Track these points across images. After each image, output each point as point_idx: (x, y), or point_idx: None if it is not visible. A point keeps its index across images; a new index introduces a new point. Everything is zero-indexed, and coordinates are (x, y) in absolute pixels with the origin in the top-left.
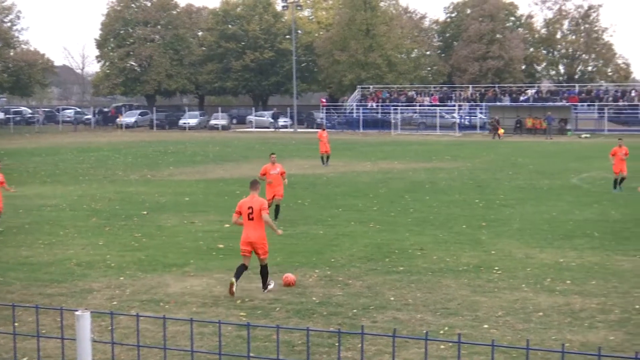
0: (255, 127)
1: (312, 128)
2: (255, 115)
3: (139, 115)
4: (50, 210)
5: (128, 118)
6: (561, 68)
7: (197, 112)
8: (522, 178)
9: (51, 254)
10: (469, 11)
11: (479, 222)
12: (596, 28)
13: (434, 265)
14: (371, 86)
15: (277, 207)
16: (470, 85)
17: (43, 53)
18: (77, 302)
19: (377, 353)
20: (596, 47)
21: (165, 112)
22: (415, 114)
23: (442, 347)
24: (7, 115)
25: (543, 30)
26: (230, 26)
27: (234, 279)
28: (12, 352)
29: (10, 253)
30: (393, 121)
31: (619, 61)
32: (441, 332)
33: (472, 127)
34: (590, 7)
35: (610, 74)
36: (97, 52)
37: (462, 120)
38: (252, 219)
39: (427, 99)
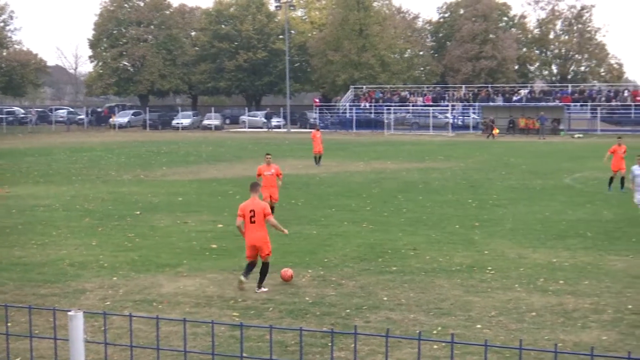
0: (248, 127)
1: (305, 128)
2: (248, 115)
3: (132, 115)
4: (43, 211)
5: (121, 118)
6: (554, 68)
7: (190, 112)
8: (515, 178)
9: (44, 255)
10: (462, 11)
11: (471, 222)
12: (589, 28)
13: (427, 265)
14: (364, 86)
15: (272, 209)
16: (463, 85)
17: (36, 53)
18: (70, 302)
19: (370, 353)
20: (589, 47)
21: (158, 112)
22: (408, 114)
23: (435, 347)
24: (0, 116)
25: (536, 31)
26: (223, 26)
27: (242, 277)
28: (5, 353)
29: (3, 253)
30: (386, 121)
31: (612, 61)
32: (434, 332)
33: (465, 127)
34: (583, 7)
35: (603, 74)
36: (90, 52)
37: (455, 120)
38: (254, 222)
39: (420, 99)
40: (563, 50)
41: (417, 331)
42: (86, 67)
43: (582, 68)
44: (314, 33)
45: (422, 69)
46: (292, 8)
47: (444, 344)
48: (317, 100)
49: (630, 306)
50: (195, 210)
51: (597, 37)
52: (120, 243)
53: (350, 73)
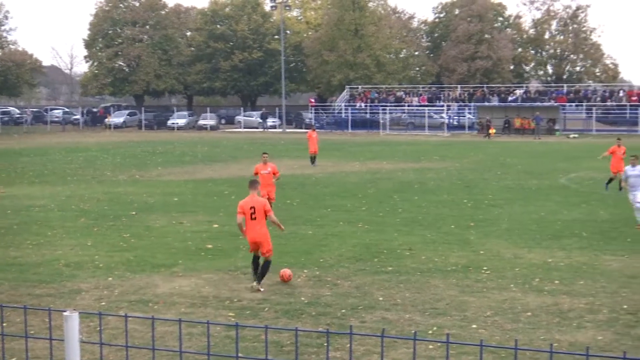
0: (244, 128)
1: (301, 128)
2: (244, 116)
3: (128, 115)
4: (38, 211)
5: (116, 118)
6: (549, 68)
7: (185, 113)
8: (511, 178)
9: (39, 255)
10: (457, 11)
11: (467, 222)
12: (584, 28)
13: (423, 266)
14: (360, 86)
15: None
16: (459, 86)
17: (31, 53)
18: (65, 302)
19: (366, 353)
20: (584, 47)
21: (153, 113)
22: (403, 114)
23: (430, 347)
24: None
25: (531, 31)
26: (218, 26)
27: (253, 278)
28: (0, 353)
29: None
30: (382, 121)
31: (607, 61)
32: (430, 332)
33: (461, 127)
34: (578, 8)
35: (598, 74)
36: (85, 52)
37: (451, 121)
38: (255, 218)
39: (416, 99)
40: (558, 51)
41: (413, 331)
42: (81, 67)
43: (578, 68)
44: (310, 33)
45: (417, 69)
46: (287, 8)
47: (439, 344)
48: (313, 101)
49: (625, 306)
50: (191, 211)
51: (593, 37)
52: (115, 243)
53: (346, 73)
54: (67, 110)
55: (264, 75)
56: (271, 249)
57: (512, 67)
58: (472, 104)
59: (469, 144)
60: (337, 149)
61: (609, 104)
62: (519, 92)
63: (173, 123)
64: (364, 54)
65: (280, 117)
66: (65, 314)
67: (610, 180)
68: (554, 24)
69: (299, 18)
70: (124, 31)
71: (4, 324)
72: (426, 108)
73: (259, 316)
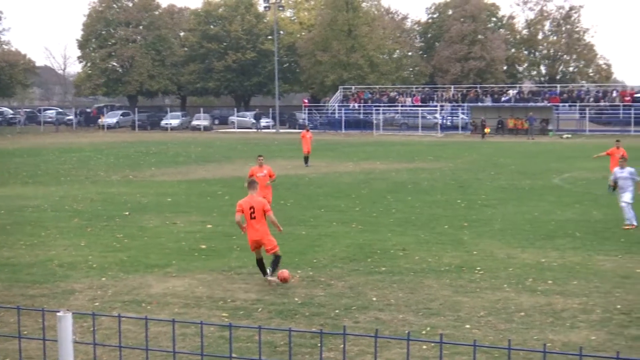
0: (238, 128)
1: (295, 129)
2: (238, 116)
3: (121, 115)
4: (32, 211)
5: (110, 119)
6: (542, 69)
7: (179, 113)
8: (504, 178)
9: (33, 255)
10: (450, 12)
11: (460, 223)
12: (577, 29)
13: (416, 266)
14: (353, 87)
15: None
16: (452, 86)
17: (24, 53)
18: (58, 303)
19: (360, 353)
20: (577, 48)
21: (147, 113)
22: (397, 115)
23: (424, 347)
24: None
25: (524, 31)
26: (212, 27)
27: (264, 278)
28: None
29: None
30: (375, 122)
31: (600, 62)
32: (423, 332)
33: (454, 127)
34: (571, 8)
35: (591, 74)
36: (78, 53)
37: (444, 121)
38: (255, 217)
39: (409, 99)
40: (551, 51)
41: (406, 331)
42: (75, 68)
43: (571, 68)
44: (303, 34)
45: (411, 69)
46: (281, 9)
47: (432, 344)
48: (306, 101)
49: (618, 306)
50: (184, 211)
51: (586, 37)
52: (109, 244)
53: (339, 73)
54: (60, 110)
55: (258, 76)
56: (275, 244)
57: (505, 68)
58: (466, 104)
59: (463, 144)
60: (331, 149)
61: (602, 104)
62: (512, 92)
63: (166, 123)
64: (358, 54)
65: (273, 118)
66: (58, 314)
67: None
68: (547, 25)
69: (293, 18)
70: (118, 32)
71: None
72: (419, 108)
73: (253, 316)
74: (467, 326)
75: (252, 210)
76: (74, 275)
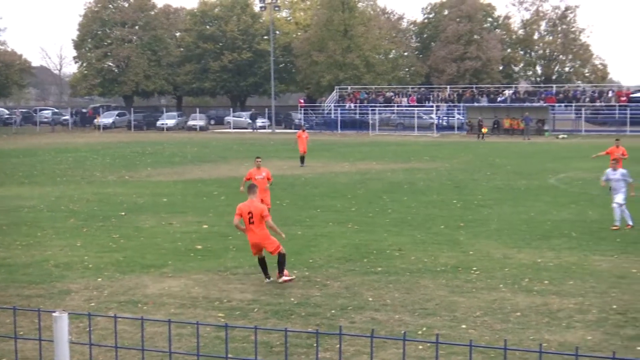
0: (233, 128)
1: (290, 129)
2: (233, 116)
3: (117, 116)
4: (28, 212)
5: (106, 119)
6: (538, 69)
7: (175, 113)
8: (500, 178)
9: (29, 255)
10: (446, 12)
11: (457, 223)
12: (573, 29)
13: (412, 266)
14: (349, 87)
15: None
16: (448, 86)
17: (20, 54)
18: (55, 303)
19: (355, 353)
20: (573, 48)
21: (143, 113)
22: (393, 115)
23: (420, 347)
24: None
25: (520, 31)
26: (208, 27)
27: (266, 280)
28: None
29: None
30: (371, 122)
31: (596, 62)
32: (419, 332)
33: (450, 127)
34: (567, 8)
35: (587, 74)
36: (74, 53)
37: (440, 121)
38: (253, 222)
39: (405, 99)
40: (547, 51)
41: (402, 332)
42: (71, 68)
43: (567, 69)
44: (299, 34)
45: (406, 69)
46: (276, 9)
47: (429, 344)
48: (302, 101)
49: (614, 306)
50: (180, 211)
51: (582, 37)
52: (105, 244)
53: (335, 74)
54: (56, 110)
55: (253, 76)
56: (278, 245)
57: (501, 68)
58: (462, 104)
59: (459, 144)
60: (327, 149)
61: (598, 104)
62: (508, 92)
63: (162, 124)
64: (353, 54)
65: (269, 118)
66: (54, 314)
67: None
68: (543, 25)
69: (288, 19)
70: (113, 32)
71: None
72: (415, 109)
73: (249, 317)
74: (463, 326)
75: (250, 215)
76: (70, 275)
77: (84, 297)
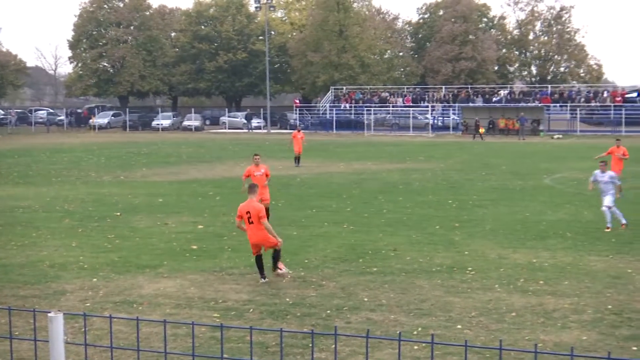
0: (229, 128)
1: (286, 129)
2: (229, 116)
3: (112, 116)
4: (23, 212)
5: (101, 119)
6: (533, 69)
7: (170, 113)
8: (495, 179)
9: (24, 256)
10: (441, 12)
11: (452, 223)
12: (568, 29)
13: (408, 266)
14: (344, 87)
15: (267, 211)
16: (443, 86)
17: (15, 54)
18: (50, 303)
19: (351, 354)
20: (568, 48)
21: (138, 113)
22: (388, 115)
23: (415, 347)
24: None
25: (515, 32)
26: (203, 27)
27: (261, 280)
28: None
29: None
30: (366, 122)
31: (591, 62)
32: (415, 332)
33: (445, 127)
34: (562, 9)
35: (582, 74)
36: (69, 53)
37: (435, 121)
38: (252, 222)
39: (400, 100)
40: (542, 51)
41: (398, 332)
42: (66, 68)
43: (562, 69)
44: (294, 34)
45: (402, 70)
46: (272, 9)
47: (424, 344)
48: (297, 101)
49: (610, 306)
50: (176, 212)
51: (577, 38)
52: (100, 244)
53: (330, 74)
54: (51, 111)
55: (249, 76)
56: (275, 241)
57: (496, 68)
58: (457, 104)
59: (454, 144)
60: (322, 149)
61: (593, 104)
62: (503, 92)
63: (157, 124)
64: (349, 54)
65: (264, 118)
66: (49, 315)
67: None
68: (538, 25)
69: (284, 19)
70: (109, 32)
71: None
72: (411, 109)
73: (244, 317)
74: (459, 326)
75: (248, 215)
76: (65, 275)
77: (79, 297)
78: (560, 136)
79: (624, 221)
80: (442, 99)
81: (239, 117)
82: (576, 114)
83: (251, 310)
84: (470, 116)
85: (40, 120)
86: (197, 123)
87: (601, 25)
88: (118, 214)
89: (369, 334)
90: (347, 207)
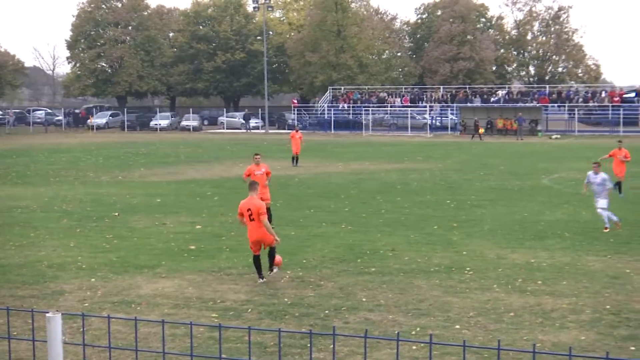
0: (227, 129)
1: (284, 129)
2: (227, 117)
3: (110, 116)
4: (21, 212)
5: (99, 119)
6: (531, 69)
7: (168, 114)
8: (493, 179)
9: (22, 256)
10: (439, 12)
11: (450, 223)
12: (566, 29)
13: (406, 266)
14: (342, 87)
15: (268, 211)
16: (441, 87)
17: (13, 54)
18: (48, 303)
19: (349, 354)
20: (566, 48)
21: (136, 114)
22: (386, 115)
23: (414, 347)
24: None
25: (513, 32)
26: (201, 27)
27: (260, 280)
28: None
29: None
30: (364, 122)
31: (589, 62)
32: (413, 332)
33: (444, 128)
34: (560, 9)
35: (580, 75)
36: (67, 53)
37: (433, 122)
38: (253, 219)
39: (399, 100)
40: (540, 52)
41: (396, 332)
42: (64, 68)
43: (560, 69)
44: (292, 34)
45: (400, 70)
46: (270, 9)
47: (422, 344)
48: (296, 102)
49: (608, 306)
50: (174, 212)
51: (575, 38)
52: (98, 244)
53: (329, 74)
54: (49, 111)
55: (247, 76)
56: (272, 240)
57: (494, 68)
58: (455, 104)
59: (452, 144)
60: (320, 149)
61: (591, 104)
62: (501, 93)
63: (156, 124)
64: (347, 55)
65: (262, 118)
66: (48, 315)
67: (617, 184)
68: (536, 25)
69: (282, 19)
70: (107, 32)
71: None
72: (409, 109)
73: (242, 317)
74: (457, 326)
75: (249, 212)
76: (63, 276)
77: (77, 297)
78: (559, 136)
79: (615, 218)
80: (440, 99)
81: (237, 117)
82: (574, 114)
83: (249, 310)
84: (469, 116)
85: (38, 120)
86: (195, 123)
87: (599, 25)
88: (116, 214)
89: (367, 334)
90: (345, 207)
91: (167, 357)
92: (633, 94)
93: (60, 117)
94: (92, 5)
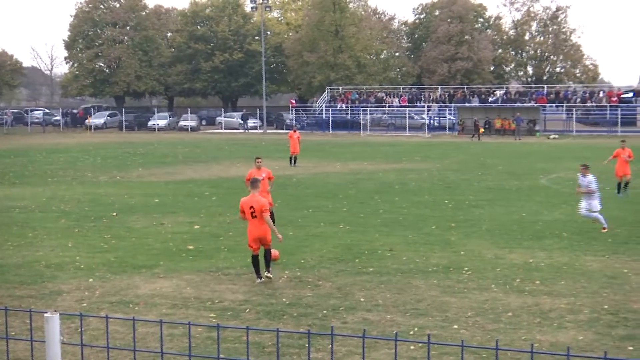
0: (225, 129)
1: (282, 129)
2: (225, 117)
3: (108, 116)
4: (19, 212)
5: (97, 119)
6: (529, 69)
7: (166, 114)
8: (491, 179)
9: (20, 256)
10: (437, 12)
11: (448, 223)
12: (564, 29)
13: (404, 266)
14: (340, 87)
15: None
16: (439, 87)
17: (11, 54)
18: (46, 304)
19: (347, 354)
20: (564, 49)
21: (134, 114)
22: (384, 115)
23: (412, 347)
24: None
25: (511, 32)
26: (199, 27)
27: (258, 280)
28: None
29: None
30: (362, 122)
31: (587, 62)
32: (411, 332)
33: (442, 128)
34: (558, 9)
35: (578, 75)
36: (65, 53)
37: (431, 122)
38: (255, 217)
39: (397, 100)
40: (538, 52)
41: (394, 332)
42: (62, 68)
43: (558, 69)
44: (290, 34)
45: (398, 70)
46: (268, 9)
47: (420, 344)
48: (294, 102)
49: (606, 306)
50: (172, 212)
51: (572, 38)
52: (96, 244)
53: (327, 74)
54: (47, 111)
55: (245, 77)
56: (270, 240)
57: (492, 68)
58: (453, 105)
59: (450, 144)
60: (318, 149)
61: (589, 104)
62: (499, 93)
63: (154, 124)
64: (345, 55)
65: (261, 118)
66: (46, 315)
67: (619, 185)
68: (534, 25)
69: (280, 19)
70: (105, 32)
71: None
72: (407, 109)
73: (240, 317)
74: (455, 326)
75: (252, 210)
76: (61, 276)
77: (75, 297)
78: (557, 136)
79: (593, 216)
80: (438, 99)
81: (235, 118)
82: (572, 114)
83: (247, 310)
84: (467, 116)
85: (37, 120)
86: (193, 123)
87: (597, 25)
88: (114, 214)
89: (366, 334)
90: (343, 207)
91: (165, 357)
92: (631, 94)
93: (58, 117)
94: (90, 5)
